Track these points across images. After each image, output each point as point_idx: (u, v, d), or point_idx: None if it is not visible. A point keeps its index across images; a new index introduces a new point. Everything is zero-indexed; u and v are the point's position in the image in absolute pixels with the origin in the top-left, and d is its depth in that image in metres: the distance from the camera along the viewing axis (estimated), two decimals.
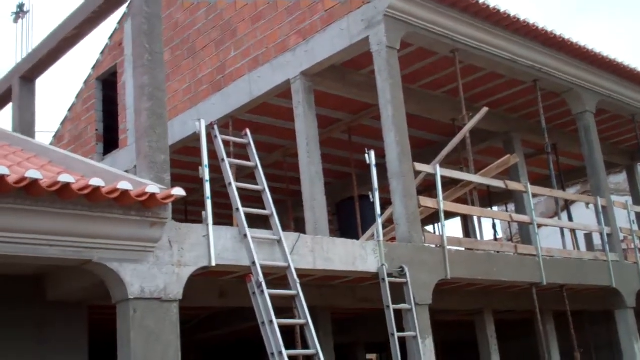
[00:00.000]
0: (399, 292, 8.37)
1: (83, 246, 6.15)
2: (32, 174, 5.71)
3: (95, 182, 5.98)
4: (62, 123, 15.46)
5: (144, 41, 7.53)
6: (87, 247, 6.17)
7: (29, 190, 5.79)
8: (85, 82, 15.20)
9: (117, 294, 6.40)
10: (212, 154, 7.51)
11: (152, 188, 6.32)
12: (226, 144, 8.17)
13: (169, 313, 6.48)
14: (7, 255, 5.89)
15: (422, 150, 13.69)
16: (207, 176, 7.33)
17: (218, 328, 11.37)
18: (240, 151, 8.94)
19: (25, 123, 9.94)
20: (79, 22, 9.28)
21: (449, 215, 9.59)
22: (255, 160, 7.98)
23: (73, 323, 7.68)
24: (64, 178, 5.86)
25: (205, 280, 7.88)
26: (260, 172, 7.91)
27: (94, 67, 15.21)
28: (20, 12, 11.03)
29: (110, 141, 14.43)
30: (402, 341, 8.17)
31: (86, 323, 7.84)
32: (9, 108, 10.73)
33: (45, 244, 5.98)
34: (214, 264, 6.90)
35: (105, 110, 14.68)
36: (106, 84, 15.04)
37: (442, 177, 9.62)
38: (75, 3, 9.93)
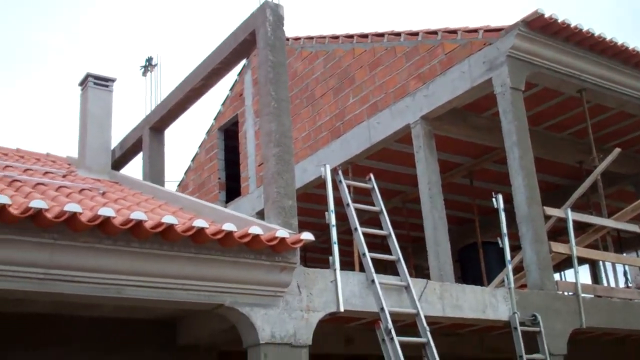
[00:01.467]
0: (530, 342, 8.01)
1: (216, 290, 6.23)
2: (169, 219, 5.85)
3: (228, 226, 6.07)
4: (186, 172, 15.96)
5: (270, 89, 7.67)
6: (220, 291, 6.24)
7: (165, 236, 5.93)
8: (208, 133, 15.68)
9: (248, 339, 6.41)
10: (335, 200, 7.49)
11: (282, 233, 6.35)
12: (348, 189, 8.14)
13: (299, 359, 6.43)
14: (143, 299, 6.02)
15: (548, 194, 13.22)
16: (333, 221, 7.31)
17: None
18: (358, 197, 8.90)
19: (155, 172, 10.30)
20: (205, 73, 9.59)
21: (580, 261, 9.15)
22: (380, 205, 7.92)
23: None
24: (199, 223, 5.97)
25: (331, 326, 7.80)
26: (386, 217, 7.83)
27: (215, 118, 15.68)
28: (148, 66, 11.53)
29: (232, 189, 14.76)
30: None
31: None
32: (139, 157, 11.17)
33: (180, 288, 6.09)
34: (342, 309, 6.82)
35: (227, 159, 15.07)
36: (227, 133, 15.46)
37: (573, 223, 9.21)
38: (201, 56, 10.33)
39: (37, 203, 5.34)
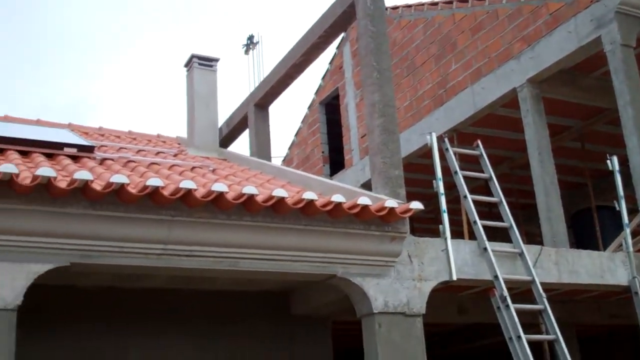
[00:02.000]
0: None
1: (327, 261, 6.30)
2: (279, 192, 5.94)
3: (337, 198, 6.11)
4: (290, 147, 16.15)
5: (371, 60, 7.62)
6: (331, 262, 6.31)
7: (276, 209, 6.03)
8: (309, 107, 15.78)
9: (362, 309, 6.46)
10: (441, 169, 7.41)
11: (391, 202, 6.34)
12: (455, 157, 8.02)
13: (414, 328, 6.43)
14: (257, 271, 6.16)
15: None
16: (441, 189, 7.23)
17: (457, 344, 11.18)
18: (464, 166, 8.75)
19: (261, 148, 10.47)
20: (305, 48, 9.64)
21: None
22: (489, 172, 7.77)
23: (319, 338, 7.88)
24: (308, 195, 6.04)
25: (443, 295, 7.75)
26: (495, 184, 7.68)
27: (316, 92, 15.75)
28: (250, 44, 11.70)
29: (335, 162, 14.83)
30: None
31: (330, 338, 8.01)
32: (245, 134, 11.38)
33: (292, 259, 6.19)
34: (454, 278, 6.77)
35: (329, 132, 15.13)
36: (329, 107, 15.51)
37: None
38: (301, 31, 10.39)
39: (153, 181, 5.53)
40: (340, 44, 15.21)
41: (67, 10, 43.21)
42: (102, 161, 7.56)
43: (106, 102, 42.09)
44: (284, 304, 7.90)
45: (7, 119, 9.96)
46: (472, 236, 7.38)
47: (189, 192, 5.63)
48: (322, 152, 14.87)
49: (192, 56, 10.43)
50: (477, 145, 7.95)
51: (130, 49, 44.91)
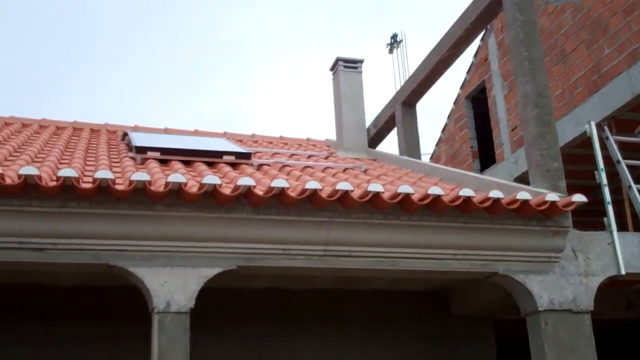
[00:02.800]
0: None
1: (487, 259, 6.19)
2: (434, 190, 5.90)
3: (495, 194, 5.99)
4: (437, 144, 15.98)
5: (521, 49, 7.41)
6: (491, 259, 6.20)
7: (432, 207, 5.99)
8: (455, 102, 15.54)
9: (526, 307, 6.30)
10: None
11: (551, 196, 6.14)
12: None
13: (582, 325, 6.20)
14: (417, 270, 6.15)
15: None
16: (604, 180, 6.94)
17: (625, 341, 10.66)
18: (624, 154, 8.33)
19: (410, 146, 10.43)
20: (451, 43, 9.51)
21: None
22: None
23: (481, 337, 7.75)
24: (464, 192, 5.96)
25: (609, 290, 7.40)
26: None
27: (461, 87, 15.48)
28: (394, 43, 11.70)
29: (485, 157, 14.52)
30: None
31: (492, 337, 7.86)
32: (393, 133, 11.39)
33: (452, 257, 6.14)
34: (623, 272, 6.47)
35: (477, 127, 14.84)
36: (475, 101, 15.20)
37: None
38: (444, 27, 10.28)
39: (312, 184, 5.65)
40: (484, 35, 14.87)
41: (214, 23, 45.01)
42: (259, 167, 7.80)
43: (258, 111, 43.40)
44: (444, 304, 7.83)
45: (167, 130, 10.51)
46: (638, 228, 7.01)
47: (345, 194, 5.71)
48: (471, 147, 14.59)
49: (337, 59, 10.57)
50: (639, 132, 7.55)
51: (279, 56, 46.12)
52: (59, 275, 6.51)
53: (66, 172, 5.18)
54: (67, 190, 5.26)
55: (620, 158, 7.24)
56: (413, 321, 7.66)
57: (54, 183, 5.22)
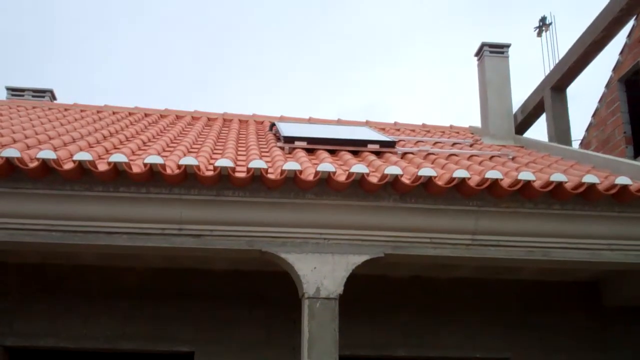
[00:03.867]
0: None
1: None
2: (589, 178, 5.71)
3: None
4: (587, 129, 15.33)
5: None
6: None
7: (586, 196, 5.80)
8: (607, 86, 14.83)
9: None
10: None
11: None
12: None
13: None
14: (568, 260, 5.97)
15: None
16: None
17: None
18: None
19: (560, 132, 10.11)
20: (605, 24, 9.12)
21: None
22: None
23: (634, 329, 7.42)
24: (620, 181, 5.75)
25: None
26: None
27: (614, 69, 14.75)
28: (543, 26, 11.32)
29: (639, 143, 13.79)
30: None
31: None
32: (542, 119, 11.06)
33: (607, 248, 5.92)
34: None
35: (631, 111, 14.10)
36: (629, 84, 14.45)
37: None
38: (595, 9, 9.84)
39: (459, 173, 5.62)
40: (638, 15, 14.11)
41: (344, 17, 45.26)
42: (403, 155, 7.82)
43: (400, 102, 43.23)
44: (595, 295, 7.56)
45: (311, 120, 10.72)
46: None
47: (495, 182, 5.64)
48: (624, 133, 13.87)
49: (483, 44, 10.36)
50: None
51: (422, 45, 45.78)
52: (216, 260, 6.84)
53: (222, 162, 5.43)
54: (223, 179, 5.51)
55: None
56: (562, 312, 7.45)
57: (211, 172, 5.49)
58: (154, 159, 5.38)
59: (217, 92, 41.25)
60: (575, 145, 15.40)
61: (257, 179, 5.56)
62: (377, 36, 44.32)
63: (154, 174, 5.47)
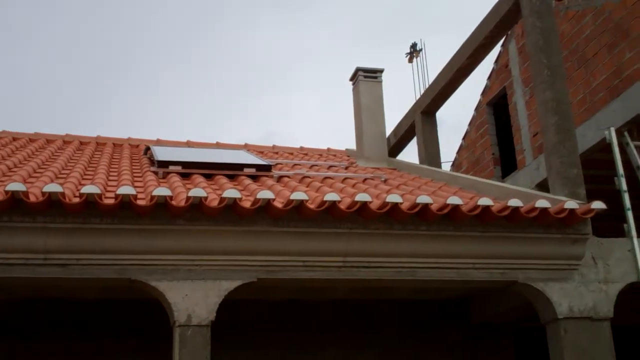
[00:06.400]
0: None
1: (507, 267, 6.21)
2: (453, 200, 5.93)
3: (514, 202, 6.00)
4: (459, 151, 15.95)
5: (541, 57, 7.43)
6: (511, 268, 6.21)
7: (451, 217, 6.02)
8: (476, 109, 15.51)
9: (546, 315, 6.30)
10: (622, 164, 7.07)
11: (570, 204, 6.14)
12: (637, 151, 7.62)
13: (602, 332, 6.18)
14: (437, 280, 6.18)
15: None
16: (624, 186, 6.92)
17: None
18: None
19: (430, 154, 10.46)
20: (471, 51, 9.53)
21: None
22: None
23: (501, 345, 7.75)
24: (483, 202, 5.98)
25: (630, 297, 7.36)
26: None
27: (482, 93, 15.45)
28: (413, 52, 11.73)
29: (507, 163, 14.47)
30: None
31: (513, 345, 7.85)
32: (413, 142, 11.42)
33: (471, 267, 6.16)
34: None
35: (498, 133, 14.79)
36: (497, 107, 15.16)
37: None
38: (463, 36, 10.28)
39: (330, 196, 5.72)
40: (504, 41, 14.84)
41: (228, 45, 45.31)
42: (280, 179, 7.88)
43: (293, 127, 43.55)
44: (464, 312, 7.84)
45: (188, 144, 10.63)
46: None
47: (364, 205, 5.76)
48: (493, 154, 14.54)
49: (357, 69, 10.63)
50: None
51: (306, 73, 46.36)
52: (84, 289, 6.63)
53: (89, 188, 5.29)
54: (90, 206, 5.37)
55: None
56: (435, 329, 7.68)
57: (77, 199, 5.33)
58: (16, 186, 5.18)
59: (111, 123, 40.24)
60: (449, 166, 16.00)
61: (126, 205, 5.45)
62: (275, 64, 44.62)
63: (16, 202, 5.26)
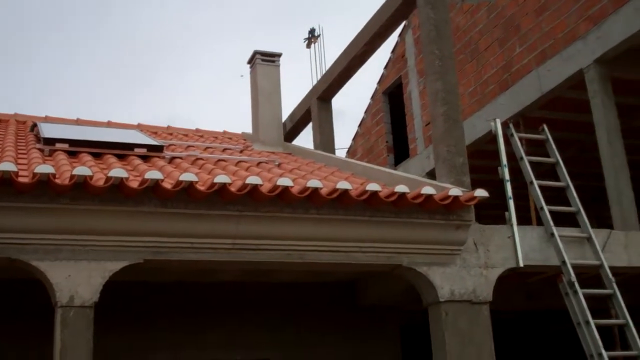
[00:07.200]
0: None
1: (393, 251, 6.36)
2: (343, 185, 6.02)
3: (401, 189, 6.15)
4: (354, 138, 16.19)
5: (433, 47, 7.61)
6: (397, 252, 6.37)
7: (341, 201, 6.11)
8: (373, 97, 15.77)
9: (428, 297, 6.50)
10: (507, 155, 7.36)
11: (455, 191, 6.35)
12: (520, 142, 7.95)
13: (481, 315, 6.44)
14: (324, 262, 6.26)
15: None
16: (507, 176, 7.20)
17: (527, 330, 11.08)
18: (532, 150, 8.66)
19: (325, 140, 10.57)
20: (367, 39, 9.68)
21: None
22: (556, 156, 7.69)
23: (385, 327, 7.95)
24: (371, 187, 6.10)
25: (511, 282, 7.71)
26: (562, 168, 7.60)
27: (379, 82, 15.73)
28: (312, 37, 11.79)
29: (400, 151, 14.80)
30: None
31: (397, 327, 8.07)
32: (309, 128, 11.50)
33: (358, 250, 6.28)
34: (521, 264, 6.74)
35: (393, 122, 15.10)
36: (392, 96, 15.47)
37: None
38: (361, 22, 10.44)
39: (221, 178, 5.69)
40: (402, 31, 15.14)
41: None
42: (171, 160, 7.78)
43: (204, 111, 42.82)
44: (351, 295, 8.00)
45: (78, 122, 10.33)
46: (540, 222, 7.31)
47: (255, 188, 5.76)
48: (387, 142, 14.85)
49: (255, 52, 10.59)
50: (543, 130, 7.88)
51: (197, 51, 45.68)
52: None
53: None
54: None
55: (524, 155, 7.52)
56: (320, 312, 7.81)
57: None
58: None
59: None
60: (344, 152, 16.20)
61: (7, 182, 5.25)
62: (166, 46, 43.73)
63: None
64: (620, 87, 10.70)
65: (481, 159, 12.64)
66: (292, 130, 11.90)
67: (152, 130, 10.43)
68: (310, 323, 7.73)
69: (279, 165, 8.32)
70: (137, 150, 7.71)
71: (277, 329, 7.59)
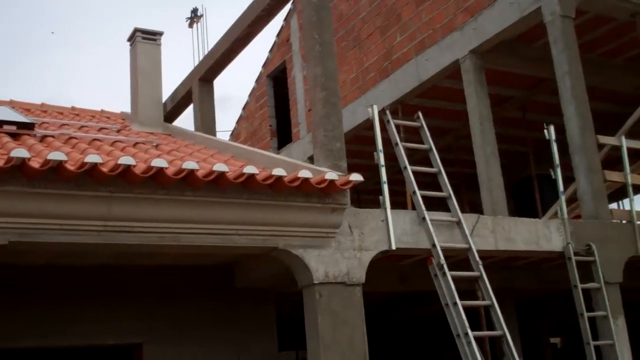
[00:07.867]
0: (585, 272, 7.99)
1: (269, 234, 6.38)
2: (220, 167, 5.99)
3: (278, 172, 6.18)
4: (238, 121, 16.13)
5: (313, 33, 7.65)
6: (273, 234, 6.40)
7: (217, 183, 6.08)
8: (257, 81, 15.75)
9: (303, 279, 6.58)
10: (384, 141, 7.53)
11: (331, 175, 6.44)
12: (397, 129, 8.15)
13: (353, 297, 6.58)
14: (199, 245, 6.22)
15: (602, 124, 12.94)
16: (382, 161, 7.37)
17: (400, 312, 11.41)
18: (410, 137, 8.91)
19: (206, 122, 10.47)
20: (249, 21, 9.64)
21: (635, 190, 9.04)
22: (429, 143, 7.92)
23: (262, 309, 7.99)
24: (249, 170, 6.10)
25: (386, 264, 7.91)
26: (435, 154, 7.84)
27: (264, 65, 15.72)
28: (194, 17, 11.62)
29: (283, 135, 14.87)
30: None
31: (274, 309, 8.13)
32: (190, 109, 11.35)
33: (234, 233, 6.26)
34: (394, 247, 6.92)
35: (277, 106, 15.15)
36: (276, 80, 15.50)
37: (628, 150, 9.05)
38: (244, 5, 10.36)
39: (92, 158, 5.53)
40: (287, 16, 15.18)
41: None
42: (43, 138, 7.50)
43: (83, 92, 41.15)
44: (228, 277, 7.97)
45: None
46: (415, 207, 7.53)
47: (128, 169, 5.64)
48: (270, 126, 14.89)
49: (135, 30, 10.32)
50: (418, 117, 8.09)
51: (77, 26, 44.07)
52: None
53: None
54: None
55: (399, 141, 7.71)
56: (197, 294, 7.75)
57: None
58: None
59: None
60: (227, 135, 16.12)
61: None
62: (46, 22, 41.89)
63: None
64: (493, 77, 11.18)
65: (361, 145, 12.89)
66: (173, 110, 11.72)
67: (25, 107, 10.01)
68: (187, 306, 7.65)
69: (156, 146, 8.17)
70: (6, 128, 7.40)
71: (151, 312, 7.47)
